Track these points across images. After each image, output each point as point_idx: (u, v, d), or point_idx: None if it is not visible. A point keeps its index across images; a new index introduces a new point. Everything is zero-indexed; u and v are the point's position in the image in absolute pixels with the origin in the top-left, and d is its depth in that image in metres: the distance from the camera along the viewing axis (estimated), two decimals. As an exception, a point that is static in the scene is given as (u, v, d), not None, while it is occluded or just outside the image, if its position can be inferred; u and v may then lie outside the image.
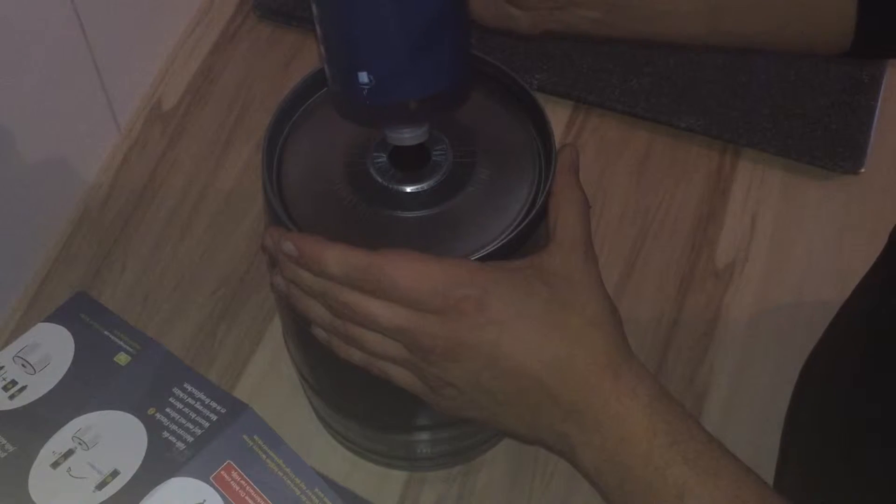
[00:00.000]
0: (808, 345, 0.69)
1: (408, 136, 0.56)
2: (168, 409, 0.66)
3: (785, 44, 0.64)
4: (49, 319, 0.71)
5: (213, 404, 0.66)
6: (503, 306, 0.51)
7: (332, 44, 0.53)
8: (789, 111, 0.85)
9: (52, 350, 0.69)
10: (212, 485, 0.63)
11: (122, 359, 0.69)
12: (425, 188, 0.57)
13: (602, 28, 0.61)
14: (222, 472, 0.63)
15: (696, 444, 0.51)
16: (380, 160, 0.58)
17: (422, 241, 0.55)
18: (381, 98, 0.53)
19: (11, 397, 0.67)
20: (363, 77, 0.52)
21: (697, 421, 0.52)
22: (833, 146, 0.84)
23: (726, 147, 0.86)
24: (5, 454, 0.65)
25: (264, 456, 0.64)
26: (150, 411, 0.66)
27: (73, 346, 0.70)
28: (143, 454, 0.64)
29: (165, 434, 0.65)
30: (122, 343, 0.70)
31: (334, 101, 0.56)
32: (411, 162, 0.57)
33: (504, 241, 0.54)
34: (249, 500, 0.62)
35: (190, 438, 0.65)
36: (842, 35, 0.61)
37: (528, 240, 0.55)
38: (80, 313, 0.72)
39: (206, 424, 0.65)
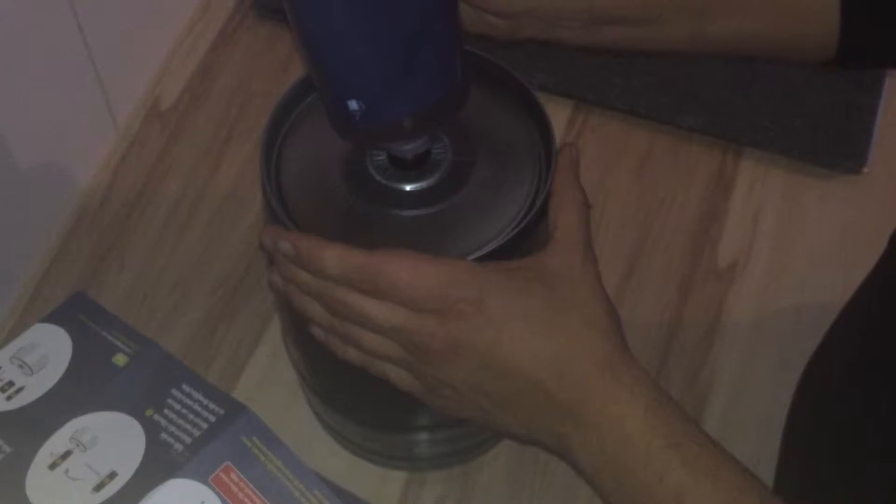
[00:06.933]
0: (810, 345, 0.69)
1: (409, 148, 0.56)
2: (166, 411, 0.66)
3: (769, 52, 0.64)
4: (47, 320, 0.71)
5: (212, 405, 0.66)
6: (501, 307, 0.51)
7: (318, 75, 0.53)
8: (791, 110, 0.85)
9: (49, 351, 0.69)
10: (210, 486, 0.62)
11: (120, 359, 0.69)
12: (425, 187, 0.57)
13: (583, 37, 0.61)
14: (221, 474, 0.63)
15: (694, 446, 0.51)
16: (379, 158, 0.57)
17: (420, 240, 0.55)
18: (375, 121, 0.53)
19: (9, 398, 0.67)
20: (353, 104, 0.52)
21: (696, 423, 0.52)
22: (835, 145, 0.83)
23: (728, 146, 0.85)
24: (2, 455, 0.65)
25: (263, 457, 0.63)
26: (149, 412, 0.66)
27: (70, 346, 0.69)
28: (142, 455, 0.64)
29: (164, 435, 0.65)
30: (119, 344, 0.69)
31: (331, 125, 0.56)
32: (411, 161, 0.57)
33: (503, 240, 0.54)
34: (248, 502, 0.62)
35: (188, 440, 0.64)
36: (826, 44, 0.61)
37: (527, 240, 0.55)
38: (77, 314, 0.71)
39: (205, 426, 0.65)
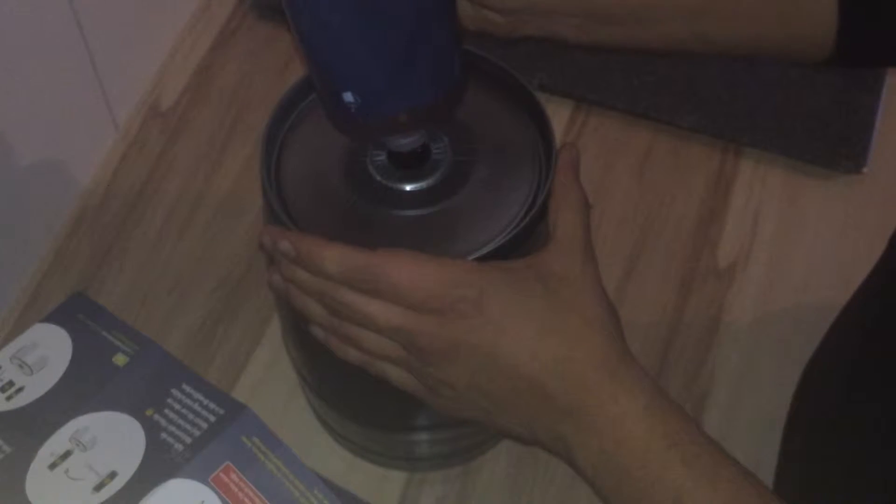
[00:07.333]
0: (810, 345, 0.69)
1: (404, 143, 0.56)
2: (166, 410, 0.66)
3: (768, 51, 0.64)
4: (47, 320, 0.71)
5: (212, 405, 0.66)
6: (501, 307, 0.51)
7: (313, 67, 0.53)
8: (791, 110, 0.85)
9: (49, 351, 0.69)
10: (210, 486, 0.62)
11: (119, 359, 0.69)
12: (424, 187, 0.57)
13: (582, 34, 0.61)
14: (221, 474, 0.63)
15: (694, 446, 0.51)
16: (379, 158, 0.57)
17: (421, 239, 0.55)
18: (370, 114, 0.53)
19: (9, 398, 0.67)
20: (348, 97, 0.52)
21: (696, 423, 0.52)
22: (835, 145, 0.83)
23: (728, 146, 0.85)
24: (2, 455, 0.64)
25: (263, 457, 0.63)
26: (149, 412, 0.66)
27: (70, 346, 0.69)
28: (142, 455, 0.64)
29: (164, 435, 0.65)
30: (119, 344, 0.69)
31: (328, 118, 0.56)
32: (411, 160, 0.57)
33: (503, 240, 0.54)
34: (248, 502, 0.62)
35: (188, 440, 0.64)
36: (823, 44, 0.61)
37: (527, 240, 0.55)
38: (77, 314, 0.71)
39: (205, 425, 0.65)
